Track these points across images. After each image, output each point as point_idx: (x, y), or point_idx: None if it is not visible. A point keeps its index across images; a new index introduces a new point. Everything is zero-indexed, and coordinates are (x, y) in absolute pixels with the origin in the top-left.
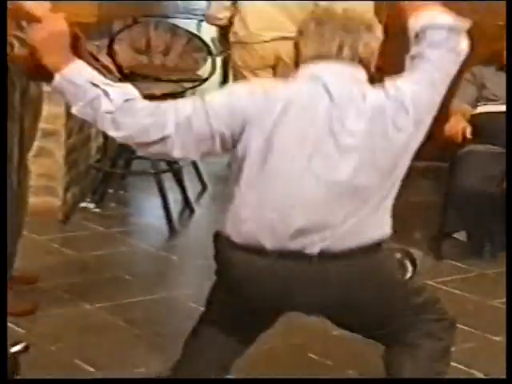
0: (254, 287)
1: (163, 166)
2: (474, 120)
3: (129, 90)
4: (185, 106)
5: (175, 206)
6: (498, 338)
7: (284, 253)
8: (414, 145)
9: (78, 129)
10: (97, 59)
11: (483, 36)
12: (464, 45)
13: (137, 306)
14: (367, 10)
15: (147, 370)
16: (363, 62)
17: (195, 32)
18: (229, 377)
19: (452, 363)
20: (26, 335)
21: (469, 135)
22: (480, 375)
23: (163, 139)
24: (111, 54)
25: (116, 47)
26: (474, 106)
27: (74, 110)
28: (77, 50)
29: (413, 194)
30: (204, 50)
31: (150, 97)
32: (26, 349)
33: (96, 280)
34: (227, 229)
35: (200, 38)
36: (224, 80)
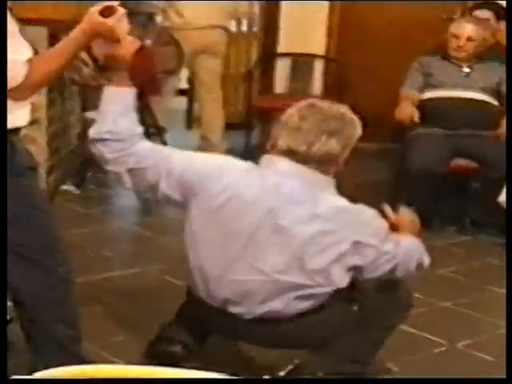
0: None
1: None
2: (421, 105)
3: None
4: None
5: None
6: (445, 304)
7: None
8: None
9: (59, 118)
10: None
11: (429, 29)
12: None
13: (116, 280)
14: None
15: (125, 338)
16: (330, 163)
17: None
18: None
19: (406, 327)
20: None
21: (417, 119)
22: (430, 337)
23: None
24: (87, 47)
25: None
26: (422, 92)
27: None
28: None
29: (368, 173)
30: (172, 44)
31: None
32: (9, 321)
33: (78, 256)
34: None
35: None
36: None
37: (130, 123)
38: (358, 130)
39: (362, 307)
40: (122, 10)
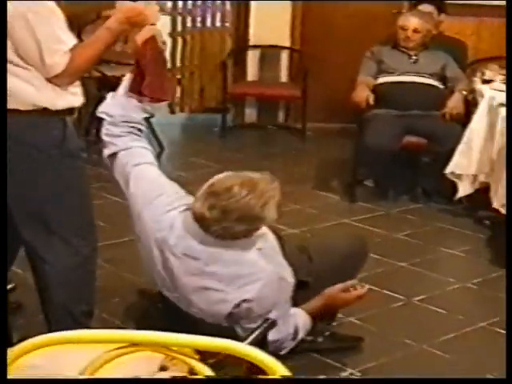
0: None
1: None
2: (376, 89)
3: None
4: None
5: None
6: (402, 264)
7: None
8: None
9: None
10: None
11: (380, 21)
12: None
13: (111, 247)
14: None
15: (122, 300)
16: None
17: None
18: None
19: (367, 285)
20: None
21: (371, 102)
22: (389, 293)
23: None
24: None
25: (84, 38)
26: (376, 78)
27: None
28: None
29: (331, 151)
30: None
31: (114, 77)
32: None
33: None
34: None
35: None
36: None
37: (127, 111)
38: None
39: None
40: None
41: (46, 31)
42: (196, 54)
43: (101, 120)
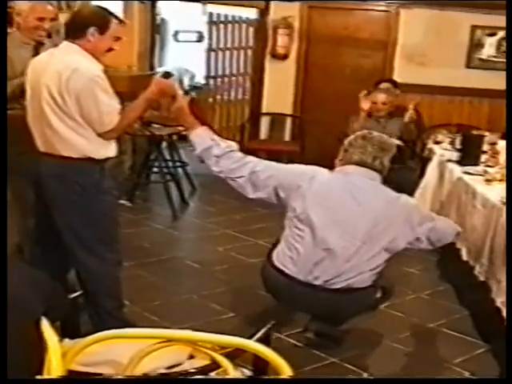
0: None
1: (168, 177)
2: None
3: (231, 144)
4: (256, 164)
5: (176, 201)
6: None
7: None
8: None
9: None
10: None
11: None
12: None
13: (154, 264)
14: None
15: (161, 303)
16: (382, 172)
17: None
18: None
19: None
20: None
21: None
22: None
23: (239, 177)
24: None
25: None
26: None
27: (197, 151)
28: None
29: None
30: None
31: (160, 136)
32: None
33: (127, 247)
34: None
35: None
36: None
37: (226, 156)
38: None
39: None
40: (174, 76)
41: (103, 98)
42: (223, 118)
43: (150, 167)
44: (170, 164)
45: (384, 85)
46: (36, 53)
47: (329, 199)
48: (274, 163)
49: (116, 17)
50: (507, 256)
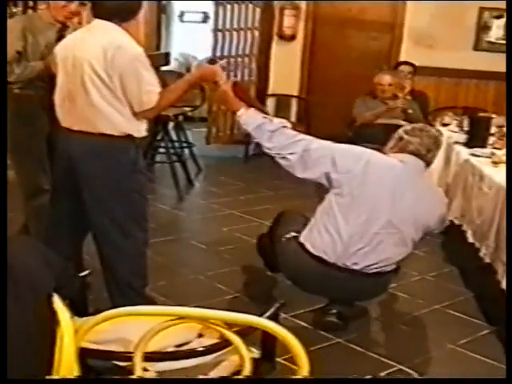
0: None
1: (175, 158)
2: (360, 126)
3: (284, 121)
4: (310, 142)
5: (182, 182)
6: None
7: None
8: None
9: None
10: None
11: (363, 78)
12: None
13: (159, 244)
14: None
15: (166, 282)
16: (428, 164)
17: None
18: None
19: None
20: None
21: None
22: None
23: (291, 154)
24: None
25: None
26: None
27: (249, 130)
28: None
29: None
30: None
31: (166, 116)
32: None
33: None
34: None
35: None
36: None
37: (279, 132)
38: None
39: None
40: (221, 62)
41: (146, 76)
42: None
43: (156, 148)
44: (177, 145)
45: (404, 67)
46: (61, 36)
47: (382, 185)
48: (328, 143)
49: None
50: (507, 255)
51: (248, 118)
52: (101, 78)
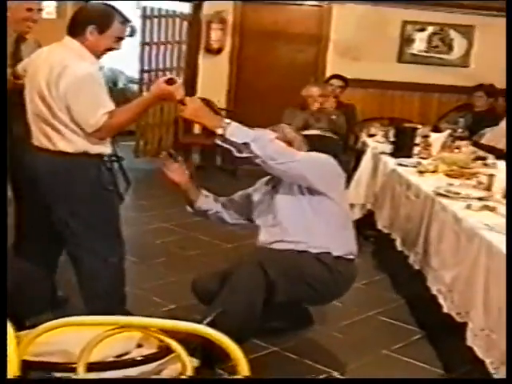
0: None
1: None
2: None
3: (271, 132)
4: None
5: None
6: None
7: None
8: None
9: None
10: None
11: (288, 90)
12: None
13: None
14: None
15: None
16: None
17: None
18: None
19: None
20: None
21: None
22: None
23: (291, 162)
24: None
25: None
26: None
27: (238, 141)
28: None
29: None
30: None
31: None
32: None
33: None
34: None
35: None
36: None
37: (274, 141)
38: None
39: None
40: (179, 81)
41: (91, 97)
42: (157, 113)
43: None
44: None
45: (335, 81)
46: (16, 47)
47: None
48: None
49: (123, 16)
50: (507, 255)
51: (236, 129)
52: (48, 96)
